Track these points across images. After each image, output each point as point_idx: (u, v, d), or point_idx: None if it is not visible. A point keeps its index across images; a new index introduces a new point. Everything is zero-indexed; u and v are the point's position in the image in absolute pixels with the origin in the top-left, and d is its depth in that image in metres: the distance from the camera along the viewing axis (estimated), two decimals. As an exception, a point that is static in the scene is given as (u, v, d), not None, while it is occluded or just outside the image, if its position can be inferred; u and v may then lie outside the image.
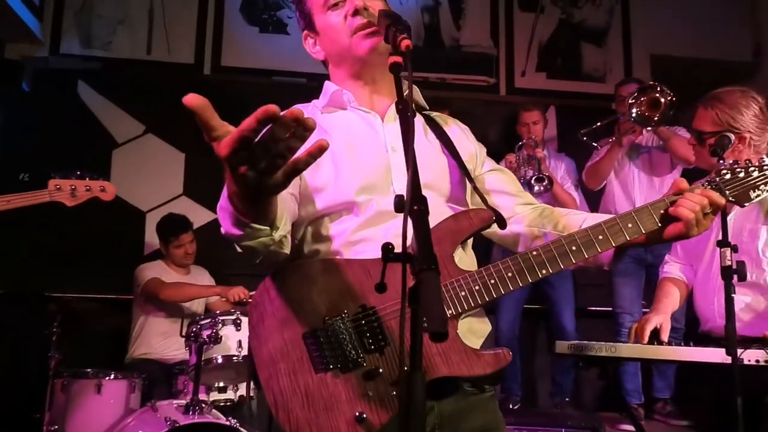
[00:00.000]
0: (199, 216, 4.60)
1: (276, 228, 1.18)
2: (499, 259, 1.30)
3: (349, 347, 1.24)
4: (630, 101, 3.72)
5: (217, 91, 4.77)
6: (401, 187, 1.37)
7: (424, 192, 1.38)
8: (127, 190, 4.58)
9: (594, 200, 4.30)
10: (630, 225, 1.30)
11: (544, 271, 1.27)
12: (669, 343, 2.28)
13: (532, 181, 3.94)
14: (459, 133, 1.56)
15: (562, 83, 5.18)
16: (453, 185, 1.43)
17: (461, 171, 1.43)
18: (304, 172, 1.37)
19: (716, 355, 1.94)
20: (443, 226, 1.32)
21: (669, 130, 3.81)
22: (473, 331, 1.33)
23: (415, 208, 0.95)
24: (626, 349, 2.18)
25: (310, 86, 4.87)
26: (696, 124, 2.43)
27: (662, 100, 3.67)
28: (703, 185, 1.34)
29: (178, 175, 4.70)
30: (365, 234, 1.35)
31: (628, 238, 1.30)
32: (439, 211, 1.35)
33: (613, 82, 5.15)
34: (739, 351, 1.94)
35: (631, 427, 3.66)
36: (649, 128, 3.80)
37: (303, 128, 0.94)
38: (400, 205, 0.96)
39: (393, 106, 1.48)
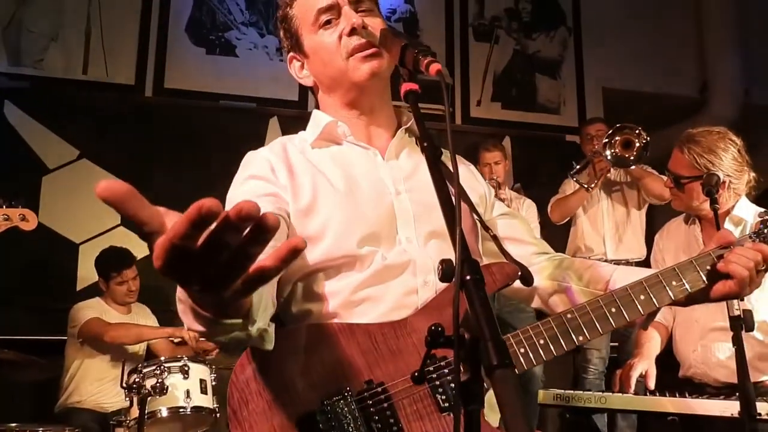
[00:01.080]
0: (138, 248, 4.24)
1: (252, 321, 0.89)
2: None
3: (352, 436, 1.02)
4: (604, 141, 3.68)
5: (160, 114, 4.50)
6: (408, 236, 1.18)
7: (432, 242, 1.20)
8: (59, 220, 4.23)
9: (558, 234, 4.22)
10: (675, 283, 1.13)
11: (581, 338, 1.09)
12: (655, 392, 2.17)
13: None
14: (466, 172, 1.38)
15: (517, 113, 5.14)
16: (465, 234, 1.23)
17: (472, 216, 1.24)
18: (293, 219, 1.17)
19: (727, 407, 1.81)
20: None
21: (641, 170, 3.78)
22: (491, 405, 1.13)
23: (468, 277, 0.74)
24: (618, 400, 2.03)
25: (259, 111, 4.73)
26: (672, 167, 2.36)
27: (635, 140, 3.65)
28: (751, 238, 1.20)
29: (116, 204, 4.34)
30: (369, 293, 1.14)
31: (673, 298, 1.13)
32: None
33: (567, 113, 5.16)
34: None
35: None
36: (625, 168, 3.76)
37: (261, 230, 0.63)
38: (448, 273, 0.75)
39: (394, 141, 1.29)
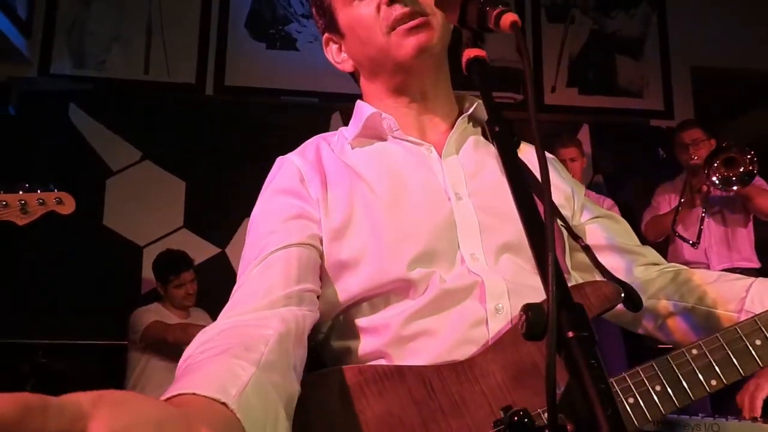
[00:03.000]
0: (200, 251, 4.18)
1: None
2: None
3: None
4: (706, 171, 3.42)
5: (221, 112, 4.39)
6: (473, 252, 0.93)
7: (504, 257, 0.95)
8: (123, 222, 4.19)
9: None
10: None
11: (713, 382, 0.81)
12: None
13: None
14: (549, 167, 1.10)
15: (595, 99, 4.75)
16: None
17: (558, 222, 0.98)
18: (325, 240, 0.93)
19: None
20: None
21: (752, 188, 3.45)
22: None
23: (571, 335, 0.49)
24: (735, 428, 1.71)
25: (322, 106, 4.56)
26: None
27: (737, 157, 3.37)
28: None
29: (179, 206, 4.26)
30: (424, 325, 0.90)
31: None
32: (527, 285, 0.92)
33: (651, 96, 4.75)
34: None
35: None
36: (734, 188, 3.43)
37: None
38: (537, 325, 0.51)
39: (454, 133, 1.04)
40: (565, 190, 1.09)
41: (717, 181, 3.40)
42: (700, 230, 3.59)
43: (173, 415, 0.53)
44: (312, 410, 0.82)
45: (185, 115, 4.38)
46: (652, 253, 1.09)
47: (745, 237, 3.63)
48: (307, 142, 1.12)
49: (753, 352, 0.83)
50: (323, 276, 0.96)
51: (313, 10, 1.14)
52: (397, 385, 0.84)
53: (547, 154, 1.16)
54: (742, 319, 0.89)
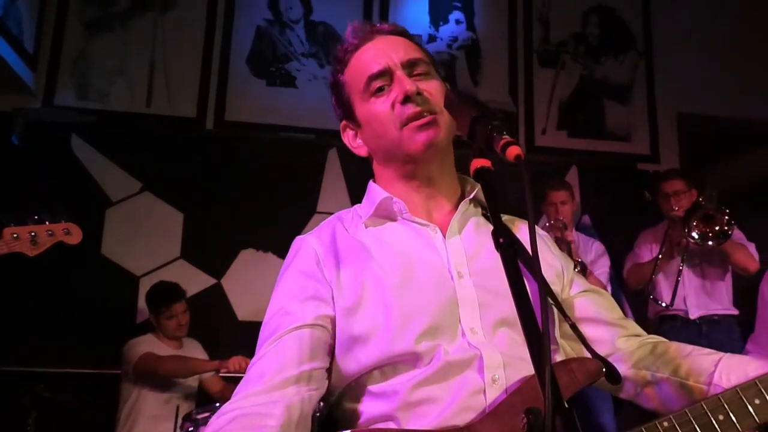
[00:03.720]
0: (197, 281, 4.26)
1: None
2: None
3: None
4: (685, 230, 3.53)
5: (221, 147, 4.50)
6: (472, 326, 1.04)
7: (501, 331, 1.05)
8: (120, 252, 4.26)
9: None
10: None
11: (682, 451, 0.92)
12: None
13: None
14: (540, 244, 1.22)
15: (584, 142, 4.91)
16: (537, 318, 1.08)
17: (550, 299, 1.09)
18: (339, 317, 1.05)
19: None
20: (533, 385, 0.96)
21: (729, 242, 3.57)
22: None
23: None
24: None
25: (319, 143, 4.68)
26: None
27: (714, 214, 3.50)
28: None
29: (176, 237, 4.35)
30: (429, 393, 1.00)
31: None
32: (520, 357, 1.01)
33: (638, 140, 4.92)
34: None
35: None
36: (716, 244, 3.55)
37: None
38: (536, 429, 0.61)
39: (457, 215, 1.15)
40: (556, 266, 1.20)
41: (696, 236, 3.51)
42: (677, 282, 3.70)
43: None
44: None
45: (185, 148, 4.48)
46: (633, 326, 1.20)
47: (723, 288, 3.75)
48: (324, 222, 1.22)
49: (716, 426, 0.93)
50: (337, 349, 1.07)
51: (333, 100, 1.25)
52: None
53: (543, 233, 1.28)
54: (710, 392, 1.00)
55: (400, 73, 1.14)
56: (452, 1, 4.98)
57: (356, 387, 1.07)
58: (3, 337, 3.84)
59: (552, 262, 1.20)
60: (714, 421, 0.93)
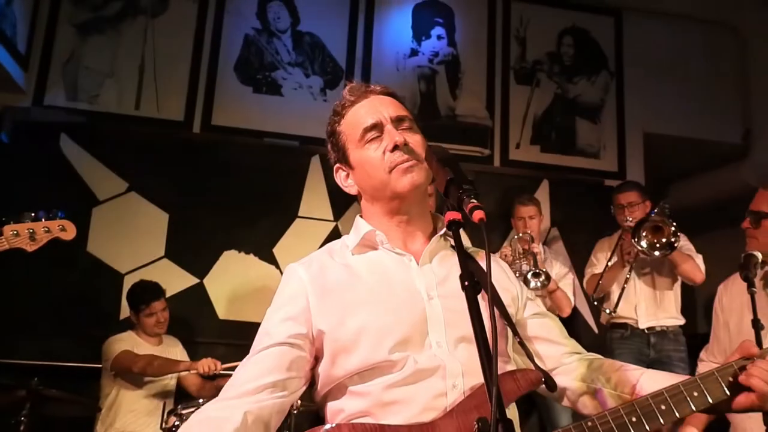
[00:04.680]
0: (179, 280, 4.41)
1: None
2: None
3: None
4: (634, 239, 3.71)
5: (206, 150, 4.64)
6: (438, 340, 1.25)
7: (461, 346, 1.26)
8: (106, 250, 4.40)
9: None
10: (696, 394, 1.17)
11: (600, 446, 1.14)
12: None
13: (529, 276, 3.84)
14: (499, 272, 1.44)
15: (555, 157, 5.15)
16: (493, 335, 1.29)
17: (503, 319, 1.30)
18: (327, 329, 1.26)
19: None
20: (485, 390, 1.16)
21: (678, 253, 3.77)
22: None
23: None
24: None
25: (303, 149, 4.85)
26: (755, 206, 2.40)
27: (663, 226, 3.68)
28: (774, 351, 1.22)
29: (161, 236, 4.49)
30: (400, 394, 1.21)
31: (695, 409, 1.17)
32: (476, 368, 1.21)
33: (607, 158, 5.16)
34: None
35: None
36: (662, 254, 3.75)
37: None
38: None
39: (429, 246, 1.36)
40: (512, 291, 1.42)
41: (644, 245, 3.69)
42: (623, 290, 3.92)
43: None
44: None
45: (172, 151, 4.62)
46: (574, 344, 1.43)
47: (672, 297, 3.96)
48: (314, 253, 1.44)
49: (629, 426, 1.15)
50: (325, 358, 1.28)
51: (329, 145, 1.45)
52: None
53: (501, 262, 1.48)
54: (632, 400, 1.21)
55: (389, 126, 1.35)
56: (434, 17, 5.18)
57: (340, 388, 1.27)
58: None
59: (508, 287, 1.42)
60: (628, 422, 1.15)
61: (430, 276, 1.33)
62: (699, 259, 3.83)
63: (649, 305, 3.94)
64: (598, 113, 5.27)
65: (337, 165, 1.44)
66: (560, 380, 1.35)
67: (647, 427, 1.15)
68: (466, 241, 2.81)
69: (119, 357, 3.65)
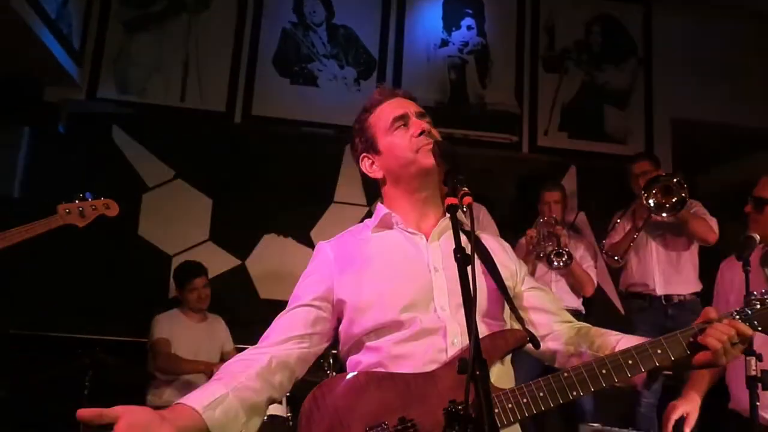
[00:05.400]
0: (223, 262, 4.71)
1: None
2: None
3: (387, 457, 1.32)
4: (644, 194, 3.81)
5: (247, 139, 4.92)
6: (442, 305, 1.47)
7: (461, 310, 1.47)
8: (155, 233, 4.72)
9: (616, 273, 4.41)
10: (659, 351, 1.37)
11: (574, 393, 1.35)
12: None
13: (552, 256, 4.02)
14: (499, 250, 1.65)
15: (583, 143, 5.27)
16: (490, 303, 1.52)
17: (499, 289, 1.51)
18: (347, 296, 1.52)
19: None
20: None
21: (687, 213, 3.88)
22: None
23: (478, 372, 1.05)
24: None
25: (338, 138, 5.08)
26: (758, 192, 2.53)
27: (673, 186, 3.78)
28: (732, 315, 1.41)
29: (205, 221, 4.80)
30: (407, 349, 1.44)
31: (657, 364, 1.36)
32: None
33: (634, 143, 5.26)
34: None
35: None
36: (668, 214, 3.86)
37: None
38: (463, 368, 1.07)
39: (438, 227, 1.59)
40: (511, 268, 1.63)
41: (652, 204, 3.80)
42: (628, 247, 4.04)
43: (155, 419, 1.21)
44: (342, 394, 1.39)
45: (215, 140, 4.92)
46: (566, 314, 1.64)
47: (689, 262, 4.05)
48: (340, 234, 1.69)
49: (599, 377, 1.36)
50: (345, 318, 1.52)
51: (356, 139, 1.68)
52: (389, 383, 1.40)
53: (503, 243, 1.69)
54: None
55: (414, 118, 1.60)
56: (465, 8, 5.34)
57: (357, 344, 1.52)
58: (57, 308, 4.37)
59: (507, 264, 1.63)
60: (598, 374, 1.36)
61: (436, 252, 1.55)
62: (713, 222, 3.91)
63: (665, 270, 4.03)
64: (626, 99, 5.36)
65: (363, 155, 1.66)
66: (551, 345, 1.57)
67: (615, 378, 1.35)
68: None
69: (155, 344, 3.99)
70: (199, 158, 4.88)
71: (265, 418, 3.13)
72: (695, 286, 4.04)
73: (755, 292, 1.42)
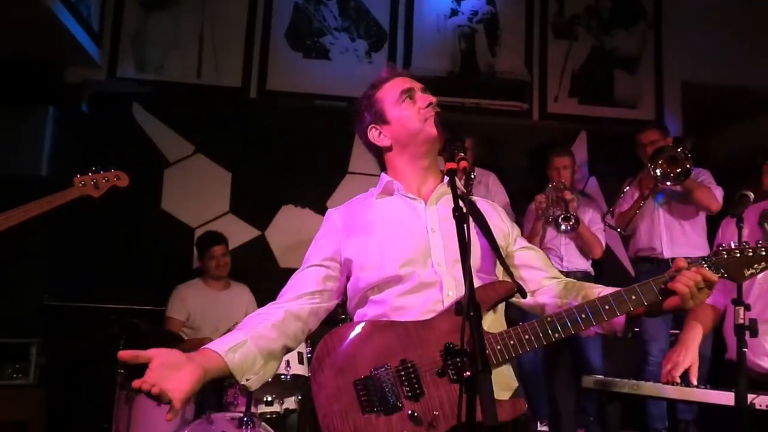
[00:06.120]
0: (243, 233, 4.89)
1: (240, 378, 1.54)
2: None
3: (390, 394, 1.48)
4: (650, 165, 3.92)
5: (263, 113, 5.06)
6: (438, 262, 1.62)
7: (457, 266, 1.62)
8: (178, 207, 4.91)
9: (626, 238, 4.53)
10: (633, 297, 1.51)
11: (556, 335, 1.49)
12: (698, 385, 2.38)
13: (560, 220, 4.13)
14: (493, 213, 1.79)
15: (593, 109, 5.32)
16: (483, 259, 1.66)
17: (491, 247, 1.65)
18: (353, 256, 1.70)
19: (729, 398, 2.10)
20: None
21: (692, 182, 3.97)
22: (502, 386, 1.52)
23: (472, 314, 1.19)
24: (648, 388, 2.36)
25: (350, 110, 5.12)
26: None
27: (678, 156, 3.87)
28: (699, 263, 1.53)
29: (225, 194, 4.97)
30: (407, 301, 1.60)
31: (632, 308, 1.50)
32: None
33: (644, 108, 5.30)
34: (751, 396, 2.10)
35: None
36: (674, 183, 3.95)
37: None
38: (459, 310, 1.21)
39: (435, 192, 1.73)
40: (504, 230, 1.77)
41: (658, 173, 3.90)
42: (633, 215, 4.14)
43: (183, 359, 1.42)
44: (351, 340, 1.57)
45: (232, 115, 5.07)
46: (554, 271, 1.78)
47: (696, 226, 4.13)
48: (349, 201, 1.84)
49: (579, 321, 1.50)
50: (352, 275, 1.69)
51: (364, 112, 1.81)
52: (391, 330, 1.56)
53: (496, 207, 1.83)
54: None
55: (419, 93, 1.75)
56: (474, -23, 5.38)
57: (363, 298, 1.69)
58: (89, 280, 4.59)
59: (500, 226, 1.77)
60: (578, 318, 1.50)
61: (434, 214, 1.71)
62: (718, 190, 3.99)
63: (672, 234, 4.12)
64: (636, 64, 5.39)
65: (371, 126, 1.79)
66: (541, 299, 1.72)
67: (593, 321, 1.51)
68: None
69: (166, 321, 4.22)
70: (217, 133, 5.03)
71: (288, 377, 3.36)
72: (703, 250, 4.10)
73: (723, 244, 1.53)
